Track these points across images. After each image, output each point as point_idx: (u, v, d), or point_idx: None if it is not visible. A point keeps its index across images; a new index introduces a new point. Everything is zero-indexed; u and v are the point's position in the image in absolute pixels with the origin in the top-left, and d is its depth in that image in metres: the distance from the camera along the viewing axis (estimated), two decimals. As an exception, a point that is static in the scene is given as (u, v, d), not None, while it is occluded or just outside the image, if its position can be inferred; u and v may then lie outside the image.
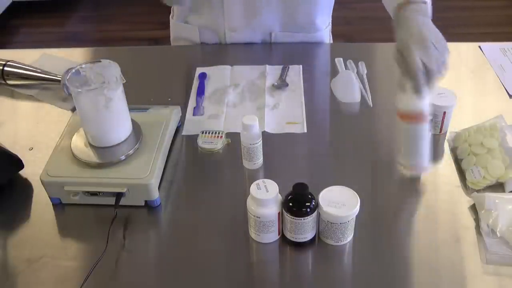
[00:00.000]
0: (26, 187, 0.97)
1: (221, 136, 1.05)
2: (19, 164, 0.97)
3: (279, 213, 0.80)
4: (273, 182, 0.80)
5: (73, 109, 1.12)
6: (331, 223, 0.80)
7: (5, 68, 1.21)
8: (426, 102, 0.85)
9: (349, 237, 0.83)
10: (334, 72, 1.23)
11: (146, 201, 0.91)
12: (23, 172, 0.99)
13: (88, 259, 0.82)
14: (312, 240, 0.83)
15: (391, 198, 0.93)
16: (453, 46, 1.32)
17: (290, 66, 1.26)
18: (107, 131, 0.92)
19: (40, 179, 0.90)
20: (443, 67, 0.86)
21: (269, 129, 1.08)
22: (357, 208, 0.79)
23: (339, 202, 0.79)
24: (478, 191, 0.90)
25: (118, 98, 0.90)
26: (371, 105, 1.13)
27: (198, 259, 0.83)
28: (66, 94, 1.15)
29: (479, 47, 1.32)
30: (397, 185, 0.95)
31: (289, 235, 0.82)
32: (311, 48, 1.37)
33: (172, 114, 1.03)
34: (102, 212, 0.90)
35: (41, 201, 0.93)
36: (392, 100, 1.16)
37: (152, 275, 0.81)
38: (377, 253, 0.83)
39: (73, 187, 0.89)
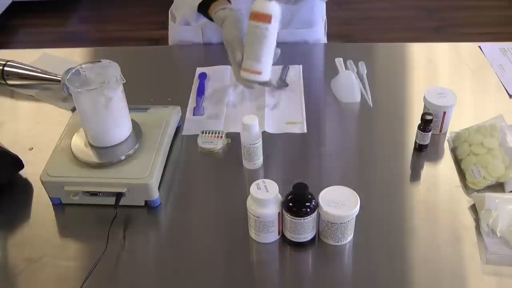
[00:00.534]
0: (26, 187, 0.97)
1: (221, 136, 1.05)
2: (19, 164, 0.97)
3: (279, 213, 0.80)
4: (273, 182, 0.80)
5: (73, 109, 1.12)
6: (331, 223, 0.80)
7: (5, 68, 1.21)
8: (274, 7, 0.90)
9: (349, 237, 0.83)
10: (334, 72, 1.23)
11: (146, 201, 0.91)
12: (23, 172, 0.99)
13: (88, 259, 0.82)
14: (312, 240, 0.83)
15: (391, 198, 0.93)
16: (453, 46, 1.34)
17: (290, 66, 1.26)
18: (107, 131, 0.92)
19: (40, 179, 0.90)
20: None
21: (269, 129, 1.08)
22: (357, 208, 0.79)
23: (339, 202, 0.79)
24: (478, 191, 0.90)
25: (118, 98, 0.90)
26: (371, 105, 1.13)
27: (198, 259, 0.83)
28: (66, 94, 1.15)
29: (479, 47, 1.32)
30: (397, 185, 0.95)
31: (289, 235, 0.82)
32: (311, 48, 1.37)
33: (172, 114, 1.03)
34: (102, 212, 0.90)
35: (41, 201, 0.93)
36: (392, 100, 1.17)
37: (152, 275, 0.81)
38: (377, 253, 0.83)
39: (73, 187, 0.89)
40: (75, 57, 1.36)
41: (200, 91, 1.19)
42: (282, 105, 1.14)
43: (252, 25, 0.92)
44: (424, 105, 1.02)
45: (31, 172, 0.98)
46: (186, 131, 1.09)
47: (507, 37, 3.03)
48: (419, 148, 1.00)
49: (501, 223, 0.82)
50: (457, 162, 0.98)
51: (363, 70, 1.23)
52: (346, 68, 1.24)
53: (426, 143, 0.99)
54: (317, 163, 1.01)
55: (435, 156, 1.00)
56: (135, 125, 0.97)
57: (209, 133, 1.05)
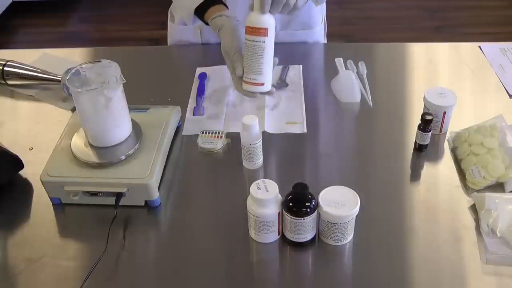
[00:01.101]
0: (26, 187, 0.97)
1: (221, 136, 1.05)
2: (19, 164, 0.97)
3: (279, 213, 0.80)
4: (273, 182, 0.80)
5: (73, 109, 1.12)
6: (331, 223, 0.80)
7: (5, 68, 1.21)
8: (269, 20, 0.91)
9: (349, 237, 0.83)
10: (334, 72, 1.23)
11: (146, 201, 0.91)
12: (23, 172, 0.99)
13: (88, 259, 0.82)
14: (312, 240, 0.83)
15: (391, 198, 0.93)
16: (453, 46, 1.34)
17: (290, 66, 1.26)
18: (107, 131, 0.92)
19: (40, 179, 0.90)
20: None
21: (269, 129, 1.08)
22: (357, 208, 0.79)
23: (339, 202, 0.79)
24: (478, 191, 0.90)
25: (118, 98, 0.90)
26: (371, 105, 1.13)
27: (198, 259, 0.83)
28: (66, 94, 1.15)
29: (479, 47, 1.32)
30: (397, 185, 0.95)
31: (289, 235, 0.82)
32: (311, 48, 1.37)
33: (172, 114, 1.03)
34: (102, 212, 0.90)
35: (41, 201, 0.93)
36: (392, 100, 1.17)
37: (152, 275, 0.81)
38: (377, 253, 0.83)
39: (73, 187, 0.89)
40: (75, 57, 1.36)
41: (200, 91, 1.19)
42: (282, 105, 1.14)
43: (249, 40, 0.92)
44: (424, 105, 1.02)
45: (31, 172, 0.98)
46: (186, 131, 1.09)
47: (507, 37, 3.03)
48: (419, 148, 1.00)
49: (501, 223, 0.82)
50: (457, 162, 0.98)
51: (363, 70, 1.23)
52: (346, 68, 1.24)
53: (426, 143, 0.99)
54: (317, 163, 1.01)
55: (435, 156, 1.00)
56: (135, 125, 0.97)
57: (209, 133, 1.05)
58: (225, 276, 0.81)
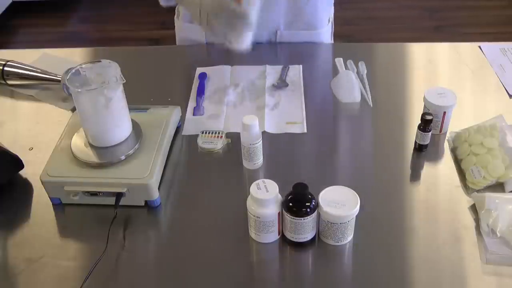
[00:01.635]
0: (26, 187, 0.97)
1: (221, 136, 1.05)
2: (19, 164, 0.97)
3: (279, 213, 0.80)
4: (273, 182, 0.80)
5: (73, 109, 1.12)
6: (331, 223, 0.80)
7: (5, 68, 1.21)
8: None
9: (349, 237, 0.83)
10: (334, 72, 1.23)
11: (146, 201, 0.91)
12: (23, 172, 0.99)
13: (88, 259, 0.82)
14: (312, 240, 0.83)
15: (391, 198, 0.93)
16: (453, 46, 1.34)
17: (290, 66, 1.26)
18: (107, 131, 0.92)
19: (40, 179, 0.90)
20: None
21: (269, 129, 1.08)
22: (357, 208, 0.79)
23: (339, 202, 0.79)
24: (478, 191, 0.90)
25: (118, 98, 0.90)
26: (371, 105, 1.13)
27: (198, 259, 0.83)
28: (66, 94, 1.15)
29: (479, 47, 1.32)
30: (397, 185, 0.95)
31: (289, 235, 0.82)
32: (311, 48, 1.37)
33: (172, 114, 1.03)
34: (102, 212, 0.90)
35: (41, 201, 0.93)
36: (392, 100, 1.17)
37: (152, 275, 0.81)
38: (377, 253, 0.83)
39: (73, 187, 0.89)
40: (75, 57, 1.36)
41: (200, 91, 1.19)
42: (282, 105, 1.14)
43: None
44: (424, 105, 1.02)
45: (31, 172, 0.98)
46: (186, 131, 1.09)
47: (507, 37, 3.03)
48: (419, 148, 1.00)
49: (501, 223, 0.82)
50: (457, 162, 0.98)
51: (363, 70, 1.23)
52: (346, 68, 1.24)
53: (426, 143, 0.99)
54: (317, 163, 1.01)
55: (435, 156, 1.00)
56: (135, 125, 0.97)
57: (209, 133, 1.05)
58: (225, 276, 0.81)
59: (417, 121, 0.98)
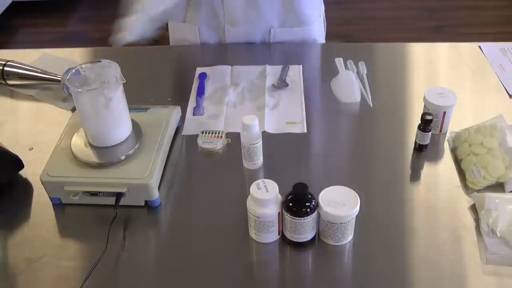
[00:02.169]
0: (26, 187, 0.97)
1: (221, 136, 1.05)
2: (19, 164, 0.97)
3: (279, 213, 0.80)
4: (273, 182, 0.80)
5: (73, 109, 1.12)
6: (331, 223, 0.80)
7: (5, 68, 1.21)
8: None
9: (349, 237, 0.83)
10: (334, 72, 1.23)
11: (146, 201, 0.91)
12: (23, 172, 0.99)
13: (88, 259, 0.82)
14: (312, 240, 0.83)
15: (391, 198, 0.93)
16: (453, 46, 1.34)
17: (290, 66, 1.26)
18: (107, 131, 0.92)
19: (40, 179, 0.90)
20: None
21: (269, 129, 1.08)
22: (357, 208, 0.79)
23: (339, 202, 0.79)
24: (478, 191, 0.90)
25: (118, 98, 0.90)
26: (371, 105, 1.13)
27: (198, 259, 0.83)
28: (66, 94, 1.15)
29: (479, 47, 1.32)
30: (397, 185, 0.95)
31: (289, 235, 0.82)
32: (311, 48, 1.37)
33: (172, 114, 1.03)
34: (102, 212, 0.90)
35: (41, 201, 0.93)
36: (392, 100, 1.17)
37: (152, 275, 0.81)
38: (377, 253, 0.83)
39: (73, 187, 0.89)
40: (75, 57, 1.36)
41: (200, 91, 1.19)
42: (282, 105, 1.14)
43: None
44: (424, 105, 1.02)
45: (31, 172, 0.98)
46: (186, 131, 1.09)
47: (507, 37, 3.03)
48: (419, 148, 1.00)
49: (501, 223, 0.82)
50: (457, 162, 0.98)
51: (363, 70, 1.23)
52: (346, 68, 1.24)
53: (426, 143, 0.99)
54: (317, 163, 1.01)
55: (435, 156, 1.00)
56: (135, 125, 0.97)
57: (209, 133, 1.05)
58: (225, 276, 0.81)
59: (417, 121, 0.98)
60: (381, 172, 0.98)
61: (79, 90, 0.86)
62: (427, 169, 0.99)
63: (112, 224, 0.85)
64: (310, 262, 0.83)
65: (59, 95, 1.19)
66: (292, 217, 0.79)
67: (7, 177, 0.97)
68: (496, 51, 1.30)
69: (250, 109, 1.13)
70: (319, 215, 0.81)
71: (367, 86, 1.18)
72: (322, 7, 1.40)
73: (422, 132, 0.97)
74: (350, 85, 1.17)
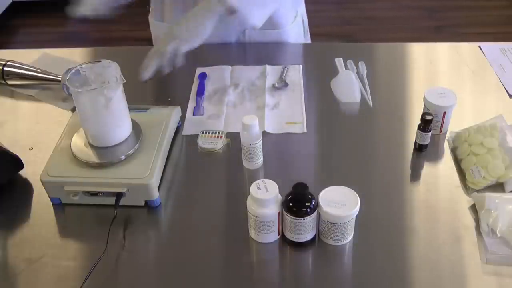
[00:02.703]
0: (26, 187, 0.97)
1: (221, 136, 1.05)
2: (19, 164, 0.97)
3: (279, 213, 0.80)
4: (273, 182, 0.80)
5: (73, 109, 1.12)
6: (331, 223, 0.80)
7: (5, 68, 1.21)
8: None
9: (349, 237, 0.83)
10: (334, 72, 1.23)
11: (146, 201, 0.91)
12: (23, 172, 0.99)
13: (88, 259, 0.82)
14: (312, 240, 0.83)
15: (391, 198, 0.93)
16: (453, 46, 1.34)
17: (290, 66, 1.26)
18: (107, 131, 0.92)
19: (40, 179, 0.89)
20: None
21: (269, 129, 1.08)
22: (357, 208, 0.79)
23: (339, 202, 0.79)
24: (478, 191, 0.90)
25: (118, 98, 0.90)
26: (371, 105, 1.13)
27: (198, 259, 0.83)
28: (66, 94, 1.15)
29: (479, 47, 1.32)
30: (397, 185, 0.95)
31: (289, 235, 0.82)
32: (311, 48, 1.37)
33: (172, 114, 1.03)
34: (102, 212, 0.90)
35: (41, 201, 0.93)
36: (392, 100, 1.17)
37: (152, 275, 0.81)
38: (377, 253, 0.83)
39: (73, 187, 0.89)
40: (75, 57, 1.36)
41: (200, 91, 1.19)
42: (282, 105, 1.14)
43: None
44: (424, 105, 1.02)
45: (31, 172, 0.98)
46: (186, 131, 1.09)
47: (507, 37, 3.03)
48: (419, 148, 1.00)
49: (501, 223, 0.82)
50: (457, 162, 0.98)
51: (363, 70, 1.23)
52: (346, 68, 1.24)
53: (426, 143, 0.99)
54: (317, 163, 1.01)
55: (435, 156, 1.00)
56: (135, 125, 0.97)
57: (209, 133, 1.05)
58: (225, 276, 0.81)
59: (417, 121, 0.98)
60: (381, 172, 0.98)
61: (79, 90, 0.86)
62: (427, 169, 0.99)
63: (112, 224, 0.85)
64: (310, 262, 0.83)
65: (59, 95, 1.19)
66: (292, 217, 0.79)
67: (7, 177, 0.97)
68: (496, 51, 1.30)
69: (250, 109, 1.13)
70: (319, 215, 0.81)
71: (367, 86, 1.18)
72: (300, 9, 1.39)
73: (422, 132, 0.97)
74: (350, 85, 1.17)
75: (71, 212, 0.92)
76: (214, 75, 1.25)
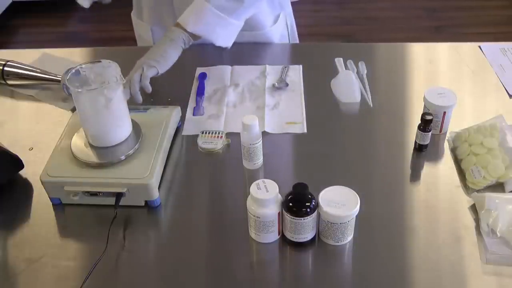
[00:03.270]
0: (26, 187, 0.97)
1: (221, 136, 1.05)
2: (19, 164, 0.98)
3: (279, 213, 0.80)
4: (273, 182, 0.80)
5: (73, 109, 1.12)
6: (331, 223, 0.80)
7: (5, 68, 1.21)
8: None
9: (349, 237, 0.83)
10: (334, 72, 1.23)
11: (146, 201, 0.91)
12: (23, 172, 0.99)
13: (88, 259, 0.82)
14: (312, 240, 0.83)
15: (391, 198, 0.93)
16: (453, 46, 1.34)
17: (290, 66, 1.26)
18: (107, 131, 0.92)
19: (40, 179, 0.90)
20: None
21: (269, 129, 1.08)
22: (357, 208, 0.79)
23: (339, 202, 0.79)
24: (478, 191, 0.90)
25: (118, 98, 0.90)
26: (371, 105, 1.13)
27: (198, 259, 0.83)
28: (66, 94, 1.15)
29: (479, 47, 1.32)
30: (397, 185, 0.95)
31: (289, 235, 0.82)
32: (311, 47, 1.37)
33: (172, 114, 1.03)
34: (102, 212, 0.90)
35: (41, 201, 0.93)
36: (392, 100, 1.17)
37: (152, 275, 0.81)
38: (377, 253, 0.83)
39: (73, 187, 0.89)
40: (75, 57, 1.36)
41: (200, 91, 1.19)
42: (282, 105, 1.14)
43: None
44: (424, 105, 1.02)
45: (31, 172, 0.98)
46: (186, 131, 1.09)
47: (507, 37, 3.03)
48: (419, 148, 1.00)
49: (501, 223, 0.82)
50: (457, 162, 0.98)
51: (363, 70, 1.23)
52: (346, 68, 1.24)
53: (426, 143, 0.99)
54: (317, 163, 1.01)
55: (435, 156, 1.00)
56: (135, 125, 0.97)
57: (209, 133, 1.05)
58: (225, 276, 0.81)
59: (417, 121, 0.98)
60: (381, 172, 0.98)
61: (79, 90, 0.86)
62: (427, 169, 0.99)
63: (112, 224, 0.85)
64: (310, 262, 0.83)
65: (59, 95, 1.19)
66: (292, 217, 0.79)
67: (7, 177, 0.97)
68: (496, 51, 1.30)
69: (250, 109, 1.13)
70: (319, 215, 0.81)
71: (367, 86, 1.18)
72: (286, 9, 1.38)
73: (422, 132, 0.97)
74: (350, 85, 1.17)
75: (71, 212, 0.92)
76: (214, 75, 1.25)
